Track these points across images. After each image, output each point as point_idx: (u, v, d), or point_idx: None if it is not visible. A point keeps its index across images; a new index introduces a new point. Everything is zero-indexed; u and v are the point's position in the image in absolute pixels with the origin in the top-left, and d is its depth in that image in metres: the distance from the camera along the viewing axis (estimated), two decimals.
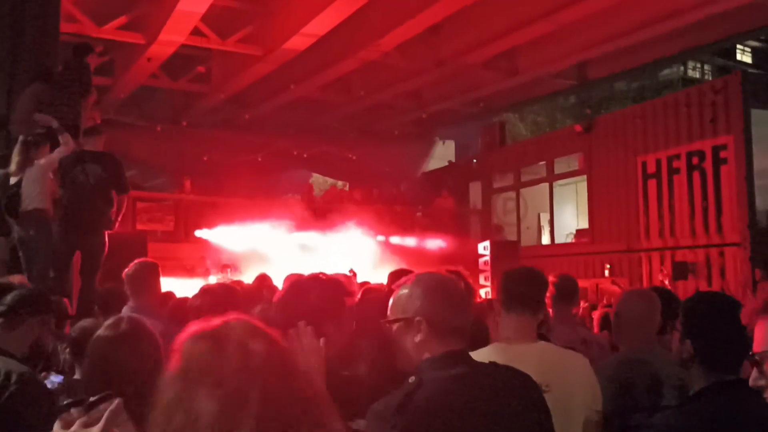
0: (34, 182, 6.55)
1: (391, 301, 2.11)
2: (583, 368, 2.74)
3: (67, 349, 3.91)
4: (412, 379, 1.92)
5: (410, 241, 16.50)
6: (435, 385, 1.89)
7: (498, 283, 2.84)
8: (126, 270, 4.06)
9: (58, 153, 6.72)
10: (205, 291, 3.01)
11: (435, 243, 16.02)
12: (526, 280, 2.82)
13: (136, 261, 4.26)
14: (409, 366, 2.01)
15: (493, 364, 2.05)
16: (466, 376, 1.95)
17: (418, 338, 2.00)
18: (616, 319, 3.14)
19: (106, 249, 6.91)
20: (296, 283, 2.33)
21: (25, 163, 6.61)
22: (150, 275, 3.96)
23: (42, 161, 6.63)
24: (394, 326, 2.05)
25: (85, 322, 3.73)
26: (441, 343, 1.99)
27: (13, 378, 2.66)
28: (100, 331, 2.16)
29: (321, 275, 2.39)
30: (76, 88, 7.60)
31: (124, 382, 2.01)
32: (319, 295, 2.19)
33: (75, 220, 6.80)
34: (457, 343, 2.02)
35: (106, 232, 6.97)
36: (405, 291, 2.07)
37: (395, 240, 16.45)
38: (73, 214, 6.82)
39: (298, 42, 12.95)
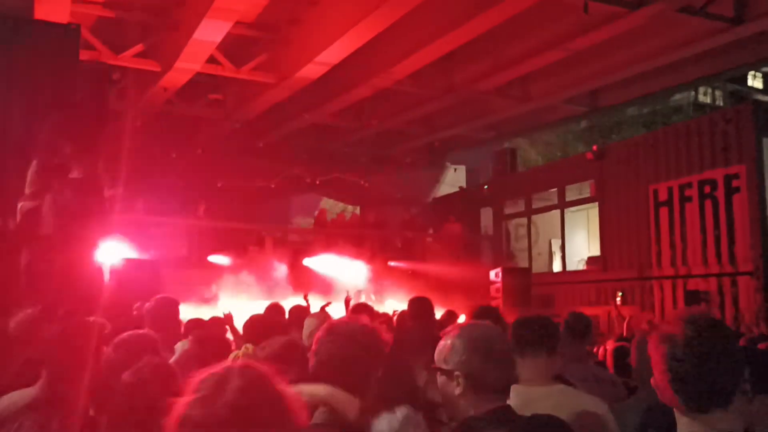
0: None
1: (438, 348, 2.16)
2: (602, 413, 2.76)
3: None
4: None
5: (421, 267, 16.51)
6: None
7: (510, 332, 2.85)
8: (146, 305, 4.09)
9: None
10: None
11: (446, 269, 16.02)
12: (536, 325, 2.86)
13: (156, 296, 4.29)
14: (454, 415, 2.08)
15: (535, 417, 2.06)
16: None
17: (457, 391, 2.06)
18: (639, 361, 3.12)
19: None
20: (331, 335, 2.27)
21: (44, 188, 6.58)
22: (170, 310, 3.99)
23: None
24: (439, 374, 2.12)
25: None
26: (480, 398, 2.02)
27: None
28: (124, 376, 2.22)
29: (359, 325, 2.30)
30: (93, 116, 7.66)
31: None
32: (354, 356, 2.17)
33: None
34: (499, 398, 2.04)
35: None
36: (449, 341, 2.12)
37: (405, 265, 16.46)
38: None
39: (312, 70, 13.05)
